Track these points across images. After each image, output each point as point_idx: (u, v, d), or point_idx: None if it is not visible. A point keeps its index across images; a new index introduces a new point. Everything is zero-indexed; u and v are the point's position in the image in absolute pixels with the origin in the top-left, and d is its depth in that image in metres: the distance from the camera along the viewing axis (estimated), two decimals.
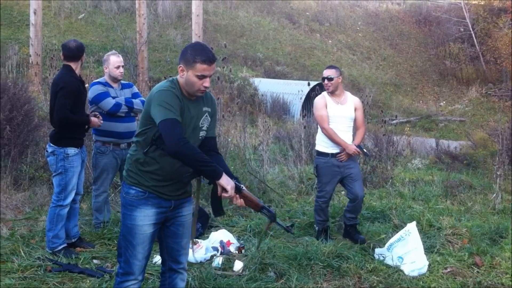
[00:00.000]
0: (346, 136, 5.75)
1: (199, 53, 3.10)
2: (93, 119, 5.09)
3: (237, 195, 3.12)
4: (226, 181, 3.03)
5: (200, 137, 3.31)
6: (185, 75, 3.12)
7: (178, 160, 3.07)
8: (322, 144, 5.81)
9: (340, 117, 5.74)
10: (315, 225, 6.01)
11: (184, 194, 3.37)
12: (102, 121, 5.21)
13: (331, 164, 5.75)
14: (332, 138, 5.68)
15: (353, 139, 5.87)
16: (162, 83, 3.21)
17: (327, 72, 5.78)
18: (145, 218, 3.23)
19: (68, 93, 4.90)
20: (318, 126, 5.87)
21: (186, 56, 3.12)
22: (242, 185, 3.15)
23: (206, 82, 3.13)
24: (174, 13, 24.57)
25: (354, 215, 5.89)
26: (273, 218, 3.29)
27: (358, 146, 5.77)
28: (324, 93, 5.89)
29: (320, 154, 5.85)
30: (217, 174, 3.02)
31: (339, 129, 5.71)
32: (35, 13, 14.31)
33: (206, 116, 3.31)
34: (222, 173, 3.03)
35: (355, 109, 5.89)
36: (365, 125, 6.07)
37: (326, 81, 5.76)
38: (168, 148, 2.99)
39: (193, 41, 16.19)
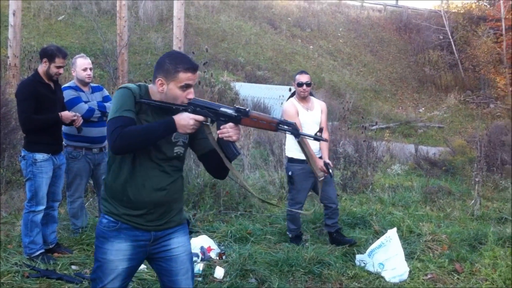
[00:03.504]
0: (314, 142, 5.70)
1: (180, 61, 2.71)
2: (64, 113, 4.92)
3: (236, 126, 2.73)
4: (183, 119, 2.67)
5: (175, 153, 2.83)
6: (165, 89, 2.72)
7: (129, 153, 2.70)
8: (296, 151, 5.64)
9: (310, 123, 5.65)
10: (288, 232, 5.97)
11: (167, 224, 2.86)
12: (78, 118, 5.02)
13: (307, 170, 5.62)
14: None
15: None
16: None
17: (304, 78, 5.67)
18: (117, 253, 2.77)
19: (23, 97, 4.82)
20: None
21: (165, 67, 2.71)
22: (247, 108, 2.76)
23: (191, 94, 2.75)
24: (156, 16, 24.41)
25: (335, 219, 5.88)
26: (296, 132, 2.77)
27: (326, 165, 5.63)
28: (293, 100, 5.78)
29: (294, 161, 5.70)
30: (169, 125, 2.65)
31: None
32: (14, 14, 14.11)
33: None
34: (172, 119, 2.66)
35: (321, 112, 5.84)
36: (328, 131, 5.95)
37: (304, 87, 5.68)
38: (110, 149, 2.64)
39: (174, 45, 16.10)
